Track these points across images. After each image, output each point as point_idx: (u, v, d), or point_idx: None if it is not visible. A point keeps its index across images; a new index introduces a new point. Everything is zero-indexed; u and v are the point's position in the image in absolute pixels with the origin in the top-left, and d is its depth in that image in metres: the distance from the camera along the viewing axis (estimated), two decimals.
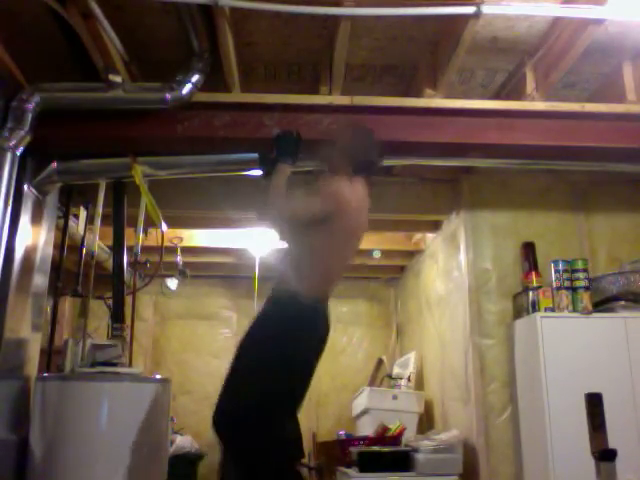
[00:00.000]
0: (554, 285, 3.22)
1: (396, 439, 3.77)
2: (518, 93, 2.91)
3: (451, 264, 3.90)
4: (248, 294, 5.31)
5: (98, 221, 3.26)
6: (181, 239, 4.38)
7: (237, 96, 2.80)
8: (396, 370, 4.87)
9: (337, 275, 2.34)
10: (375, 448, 3.61)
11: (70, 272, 3.41)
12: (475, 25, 2.39)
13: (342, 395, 5.33)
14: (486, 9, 2.29)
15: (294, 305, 2.17)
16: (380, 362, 5.09)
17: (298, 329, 2.15)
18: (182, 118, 2.70)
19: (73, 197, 3.29)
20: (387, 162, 3.17)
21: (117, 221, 3.15)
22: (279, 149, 2.53)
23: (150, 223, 3.41)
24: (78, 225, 3.49)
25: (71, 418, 2.45)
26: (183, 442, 4.44)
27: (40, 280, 2.84)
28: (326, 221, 2.21)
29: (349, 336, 5.66)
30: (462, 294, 3.65)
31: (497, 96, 3.11)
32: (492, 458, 3.30)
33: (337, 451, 4.04)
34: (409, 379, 4.53)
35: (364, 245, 4.64)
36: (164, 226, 3.35)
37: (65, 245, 3.23)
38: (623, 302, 3.19)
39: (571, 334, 3.09)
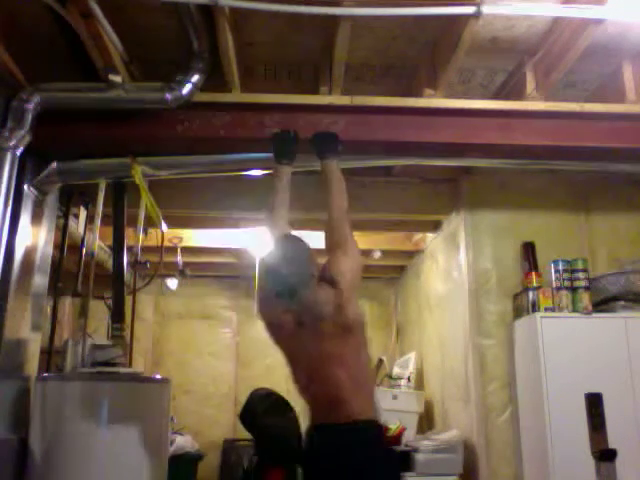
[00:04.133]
0: (554, 285, 3.22)
1: (396, 439, 3.76)
2: (518, 93, 2.91)
3: (451, 264, 3.90)
4: (248, 294, 5.32)
5: (98, 221, 3.25)
6: (181, 239, 4.38)
7: (237, 96, 2.80)
8: (396, 370, 4.86)
9: (306, 387, 2.04)
10: None
11: (70, 272, 3.41)
12: (475, 25, 2.39)
13: None
14: (486, 9, 2.29)
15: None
16: (380, 362, 5.09)
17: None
18: (182, 118, 2.70)
19: (73, 197, 3.29)
20: (387, 162, 3.18)
21: (117, 221, 3.15)
22: (276, 149, 2.53)
23: (150, 223, 3.41)
24: (78, 225, 3.49)
25: (71, 418, 2.45)
26: (183, 442, 4.43)
27: (40, 280, 2.84)
28: None
29: None
30: (462, 294, 3.65)
31: (497, 96, 3.11)
32: (492, 458, 3.30)
33: None
34: (409, 379, 4.53)
35: (364, 245, 4.69)
36: (164, 226, 3.35)
37: (65, 245, 3.23)
38: (623, 302, 3.19)
39: (571, 334, 3.09)
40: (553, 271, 3.25)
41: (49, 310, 3.25)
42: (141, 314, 5.32)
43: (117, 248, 3.12)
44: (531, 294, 3.26)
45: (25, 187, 2.69)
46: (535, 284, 3.30)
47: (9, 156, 2.42)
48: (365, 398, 1.97)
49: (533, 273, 3.36)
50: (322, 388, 1.96)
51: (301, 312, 2.04)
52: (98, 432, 2.47)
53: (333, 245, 2.19)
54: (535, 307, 3.21)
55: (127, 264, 3.23)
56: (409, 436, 3.82)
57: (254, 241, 4.49)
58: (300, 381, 2.05)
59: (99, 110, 2.65)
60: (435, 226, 4.20)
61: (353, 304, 2.04)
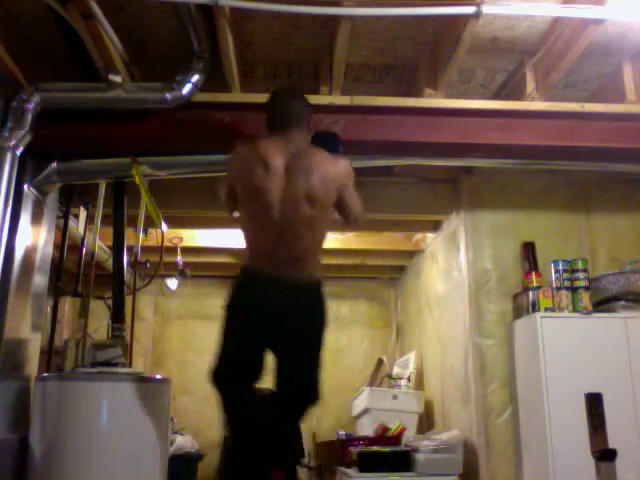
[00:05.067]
0: (554, 285, 3.21)
1: (396, 439, 3.77)
2: (518, 93, 2.91)
3: (451, 264, 3.90)
4: None
5: (98, 221, 3.26)
6: (181, 239, 4.38)
7: (237, 96, 2.80)
8: (396, 370, 4.86)
9: (266, 238, 2.19)
10: (375, 448, 3.60)
11: (70, 272, 3.41)
12: (475, 25, 2.39)
13: (342, 395, 5.33)
14: (486, 9, 2.30)
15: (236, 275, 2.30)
16: (380, 362, 5.09)
17: (231, 295, 2.30)
18: (182, 118, 2.70)
19: (73, 197, 3.29)
20: (387, 162, 3.18)
21: (117, 221, 3.15)
22: None
23: (150, 223, 3.41)
24: (78, 225, 3.49)
25: (71, 418, 2.46)
26: (183, 442, 4.43)
27: (40, 280, 2.84)
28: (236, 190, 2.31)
29: (349, 336, 5.65)
30: (462, 294, 3.65)
31: (497, 96, 3.11)
32: (492, 458, 3.30)
33: (337, 451, 4.04)
34: (409, 379, 4.53)
35: (364, 245, 4.69)
36: (164, 226, 3.35)
37: (65, 245, 3.23)
38: (623, 302, 3.18)
39: (571, 334, 3.09)
40: (553, 271, 3.25)
41: (49, 310, 3.26)
42: (141, 314, 5.32)
43: (117, 248, 3.12)
44: (531, 294, 3.26)
45: (25, 187, 2.69)
46: (535, 284, 3.29)
47: (9, 156, 2.43)
48: (317, 262, 2.30)
49: (533, 273, 3.36)
50: (288, 244, 2.17)
51: (298, 164, 2.21)
52: (98, 432, 2.47)
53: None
54: (535, 307, 3.21)
55: (127, 264, 3.23)
56: (409, 436, 3.82)
57: None
58: (263, 230, 2.20)
59: (99, 110, 2.65)
60: (435, 226, 4.20)
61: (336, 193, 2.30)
